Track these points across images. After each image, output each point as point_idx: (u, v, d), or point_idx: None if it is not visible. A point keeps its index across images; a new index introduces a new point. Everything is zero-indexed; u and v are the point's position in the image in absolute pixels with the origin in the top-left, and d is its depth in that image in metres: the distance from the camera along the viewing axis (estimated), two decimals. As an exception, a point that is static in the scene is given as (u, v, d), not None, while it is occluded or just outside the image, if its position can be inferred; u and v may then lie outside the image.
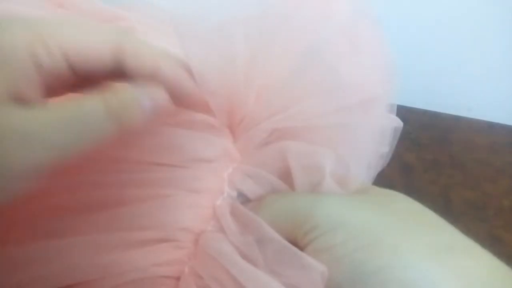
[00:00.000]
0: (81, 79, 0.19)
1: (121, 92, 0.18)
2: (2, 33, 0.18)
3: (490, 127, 0.50)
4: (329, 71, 0.23)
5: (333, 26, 0.24)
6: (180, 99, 0.21)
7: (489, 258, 0.18)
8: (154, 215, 0.22)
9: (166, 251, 0.21)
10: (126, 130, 0.18)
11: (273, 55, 0.24)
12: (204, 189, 0.23)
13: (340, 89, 0.23)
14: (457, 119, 0.50)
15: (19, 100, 0.17)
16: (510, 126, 0.50)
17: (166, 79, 0.20)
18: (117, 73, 0.20)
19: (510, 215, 0.40)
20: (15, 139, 0.16)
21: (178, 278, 0.22)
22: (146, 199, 0.22)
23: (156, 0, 0.33)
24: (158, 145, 0.22)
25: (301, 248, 0.19)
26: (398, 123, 0.28)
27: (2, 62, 0.17)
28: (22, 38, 0.18)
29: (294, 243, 0.19)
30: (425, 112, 0.51)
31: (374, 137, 0.26)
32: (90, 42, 0.19)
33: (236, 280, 0.19)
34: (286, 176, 0.23)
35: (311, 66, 0.23)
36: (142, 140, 0.22)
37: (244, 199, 0.23)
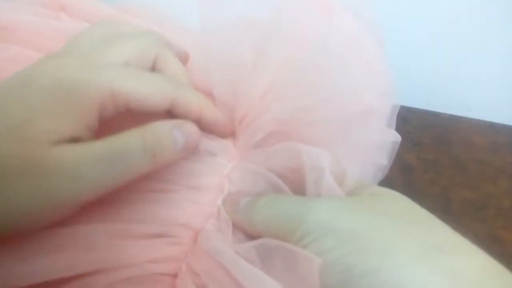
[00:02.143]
0: None
1: (157, 128, 0.20)
2: (77, 76, 0.19)
3: (490, 127, 0.50)
4: (331, 78, 0.23)
5: (338, 36, 0.24)
6: (211, 129, 0.24)
7: (481, 256, 0.17)
8: (153, 209, 0.22)
9: (163, 247, 0.21)
10: (160, 164, 0.20)
11: (279, 57, 0.24)
12: (203, 186, 0.23)
13: (339, 97, 0.23)
14: (457, 119, 0.50)
15: (74, 140, 0.19)
16: (510, 126, 0.50)
17: (206, 121, 0.23)
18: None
19: (510, 215, 0.40)
20: (65, 177, 0.17)
21: (175, 276, 0.22)
22: (145, 192, 0.22)
23: (155, 2, 0.33)
24: None
25: None
26: (397, 137, 0.28)
27: (71, 104, 0.18)
28: (94, 87, 0.19)
29: None
30: (425, 112, 0.51)
31: (371, 148, 0.27)
32: (151, 97, 0.20)
33: (233, 278, 0.19)
34: (285, 176, 0.23)
35: (314, 71, 0.24)
36: None
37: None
